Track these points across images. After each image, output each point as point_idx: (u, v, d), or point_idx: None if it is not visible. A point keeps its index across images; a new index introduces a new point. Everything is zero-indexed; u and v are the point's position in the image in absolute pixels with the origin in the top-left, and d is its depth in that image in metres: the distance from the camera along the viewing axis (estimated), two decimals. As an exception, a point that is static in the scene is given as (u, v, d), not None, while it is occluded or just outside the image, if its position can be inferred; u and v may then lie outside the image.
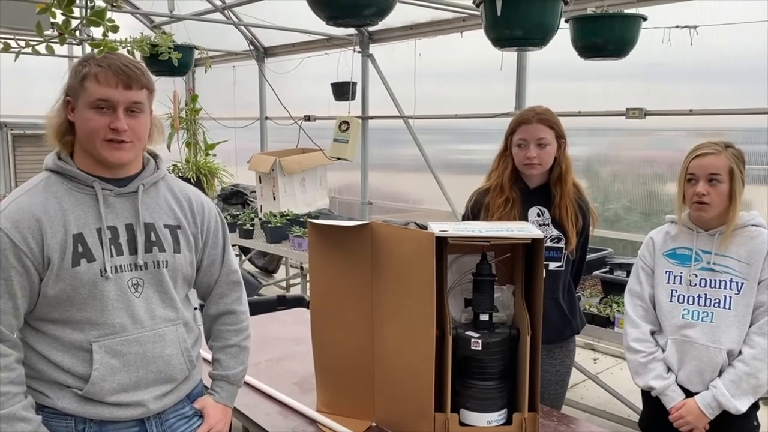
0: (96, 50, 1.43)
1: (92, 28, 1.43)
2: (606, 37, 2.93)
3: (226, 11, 6.02)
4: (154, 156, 1.66)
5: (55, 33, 1.46)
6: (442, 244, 1.77)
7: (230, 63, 7.21)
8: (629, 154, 4.70)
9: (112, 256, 1.50)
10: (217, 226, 1.73)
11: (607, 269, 3.36)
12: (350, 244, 1.91)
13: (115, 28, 1.34)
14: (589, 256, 3.51)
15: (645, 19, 3.03)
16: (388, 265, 1.85)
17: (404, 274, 1.81)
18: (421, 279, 1.74)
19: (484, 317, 1.83)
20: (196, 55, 4.66)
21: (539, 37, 2.41)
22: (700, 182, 1.96)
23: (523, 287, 1.85)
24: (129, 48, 3.80)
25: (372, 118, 5.81)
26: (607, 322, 2.92)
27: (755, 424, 2.04)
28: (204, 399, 1.73)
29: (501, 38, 2.46)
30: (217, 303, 1.77)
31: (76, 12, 1.40)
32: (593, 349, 4.59)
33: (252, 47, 6.64)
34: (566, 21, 3.03)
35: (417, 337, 1.77)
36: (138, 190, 1.56)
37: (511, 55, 4.67)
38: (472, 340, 1.79)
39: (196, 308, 1.83)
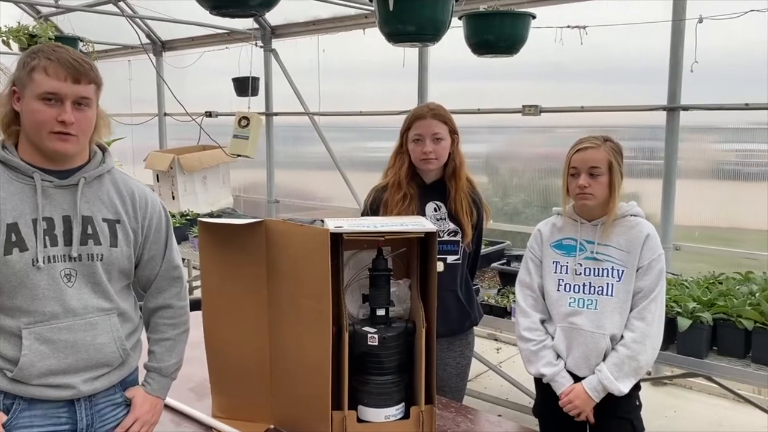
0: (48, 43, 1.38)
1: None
2: (497, 35, 3.02)
3: (119, 3, 5.75)
4: (103, 149, 1.66)
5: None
6: (337, 240, 1.75)
7: (126, 57, 6.90)
8: (526, 151, 4.88)
9: (45, 246, 1.52)
10: (159, 221, 1.74)
11: (505, 261, 3.46)
12: (244, 243, 1.86)
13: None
14: (488, 249, 3.61)
15: (534, 17, 3.14)
16: (283, 263, 1.82)
17: (300, 272, 1.78)
18: (317, 276, 1.72)
19: (381, 312, 1.83)
20: (81, 47, 4.39)
21: (431, 32, 2.44)
22: (582, 175, 2.05)
23: (418, 281, 1.87)
24: (4, 38, 3.54)
25: (276, 114, 5.73)
26: (504, 312, 3.01)
27: (637, 404, 2.15)
28: (135, 389, 1.73)
29: (394, 33, 2.47)
30: (155, 297, 1.78)
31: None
32: (496, 339, 4.73)
33: (149, 41, 6.38)
34: (459, 18, 3.10)
35: (313, 335, 1.75)
36: (78, 183, 1.56)
37: (413, 54, 4.74)
38: (369, 335, 1.78)
39: None
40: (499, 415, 3.57)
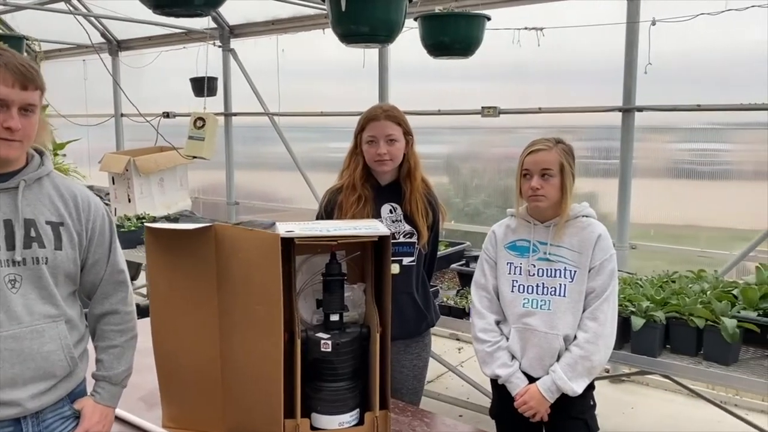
0: None
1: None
2: (452, 36, 3.03)
3: (73, 1, 5.61)
4: (40, 152, 1.64)
5: None
6: (289, 245, 1.72)
7: (80, 56, 6.73)
8: (487, 151, 4.91)
9: None
10: (103, 224, 1.71)
11: (464, 262, 3.46)
12: (193, 249, 1.82)
13: None
14: (448, 250, 3.62)
15: (489, 18, 3.15)
16: (233, 269, 1.78)
17: (250, 278, 1.74)
18: (268, 282, 1.68)
19: (335, 317, 1.80)
20: (28, 44, 4.25)
21: (385, 33, 2.42)
22: (534, 177, 2.06)
23: (373, 284, 1.85)
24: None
25: (235, 114, 5.66)
26: (463, 314, 3.00)
27: (591, 403, 2.16)
28: (84, 400, 1.71)
29: (347, 34, 2.45)
30: (101, 303, 1.74)
31: None
32: (458, 339, 4.74)
33: (104, 40, 6.23)
34: (414, 19, 3.09)
35: (265, 342, 1.72)
36: (19, 186, 1.54)
37: (373, 55, 4.72)
38: (322, 341, 1.76)
39: None
40: (460, 416, 3.58)
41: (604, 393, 3.88)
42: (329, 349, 1.75)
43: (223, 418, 1.87)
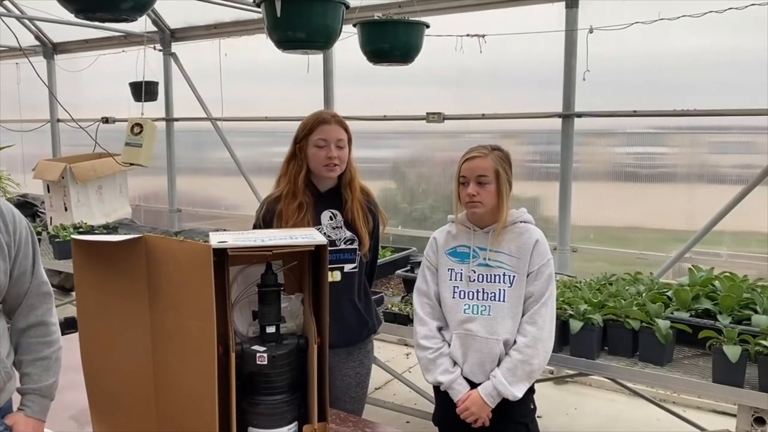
0: None
1: None
2: (392, 43, 3.02)
3: (4, 2, 5.39)
4: None
5: None
6: (223, 255, 1.68)
7: (14, 59, 6.47)
8: (433, 156, 4.93)
9: None
10: (27, 236, 1.70)
11: (409, 268, 3.46)
12: (122, 262, 1.75)
13: None
14: (395, 255, 3.61)
15: (427, 26, 3.16)
16: (165, 282, 1.72)
17: (182, 291, 1.69)
18: (200, 294, 1.63)
19: (271, 329, 1.76)
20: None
21: (323, 40, 2.39)
22: (471, 183, 2.07)
23: (311, 294, 1.82)
24: None
25: (177, 120, 5.53)
26: (407, 320, 2.99)
27: (532, 407, 2.18)
28: (15, 415, 1.69)
29: (283, 40, 2.41)
30: (26, 315, 1.73)
31: None
32: (406, 344, 4.73)
33: (38, 42, 6.00)
34: (354, 25, 3.08)
35: (198, 358, 1.67)
36: None
37: (317, 59, 4.69)
38: (258, 354, 1.71)
39: None
40: (407, 422, 3.58)
41: (548, 394, 3.94)
42: (265, 362, 1.71)
43: (156, 437, 1.81)
